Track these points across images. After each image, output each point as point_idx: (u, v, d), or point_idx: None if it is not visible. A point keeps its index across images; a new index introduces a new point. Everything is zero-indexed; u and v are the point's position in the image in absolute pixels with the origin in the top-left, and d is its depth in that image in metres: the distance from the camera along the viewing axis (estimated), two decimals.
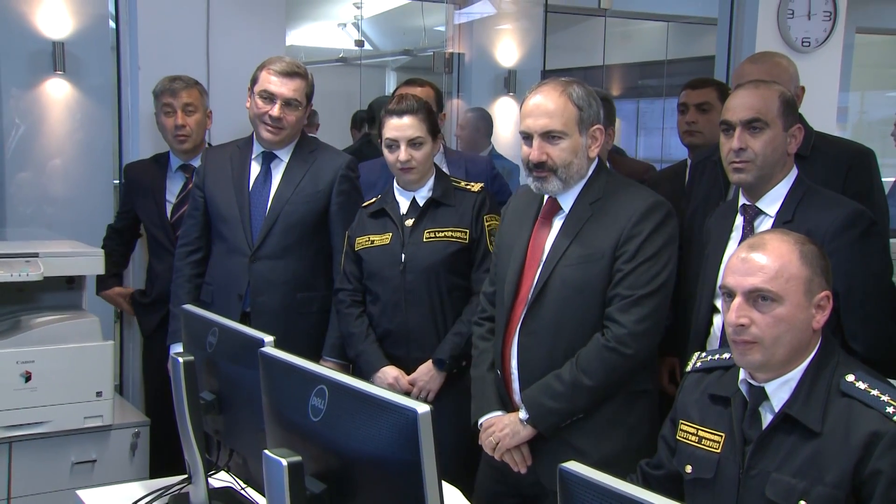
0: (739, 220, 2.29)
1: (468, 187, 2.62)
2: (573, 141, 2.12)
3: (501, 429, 2.15)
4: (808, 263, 1.69)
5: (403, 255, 2.53)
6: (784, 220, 2.18)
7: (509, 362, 2.18)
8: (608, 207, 2.14)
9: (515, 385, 2.18)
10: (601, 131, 2.18)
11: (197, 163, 3.14)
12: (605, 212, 2.13)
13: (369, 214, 2.66)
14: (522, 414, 2.12)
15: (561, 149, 2.11)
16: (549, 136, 2.11)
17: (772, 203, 2.24)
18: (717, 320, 2.27)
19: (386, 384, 2.52)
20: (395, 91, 3.37)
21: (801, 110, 2.41)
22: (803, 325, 1.68)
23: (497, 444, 2.16)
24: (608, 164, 2.84)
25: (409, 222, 2.57)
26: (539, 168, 2.12)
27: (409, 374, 2.56)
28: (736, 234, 2.29)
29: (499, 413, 2.20)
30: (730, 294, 1.72)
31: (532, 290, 2.14)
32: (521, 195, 2.39)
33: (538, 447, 2.15)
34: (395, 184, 2.64)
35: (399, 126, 2.51)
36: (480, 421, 2.23)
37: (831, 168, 2.57)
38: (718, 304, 2.27)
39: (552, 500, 2.10)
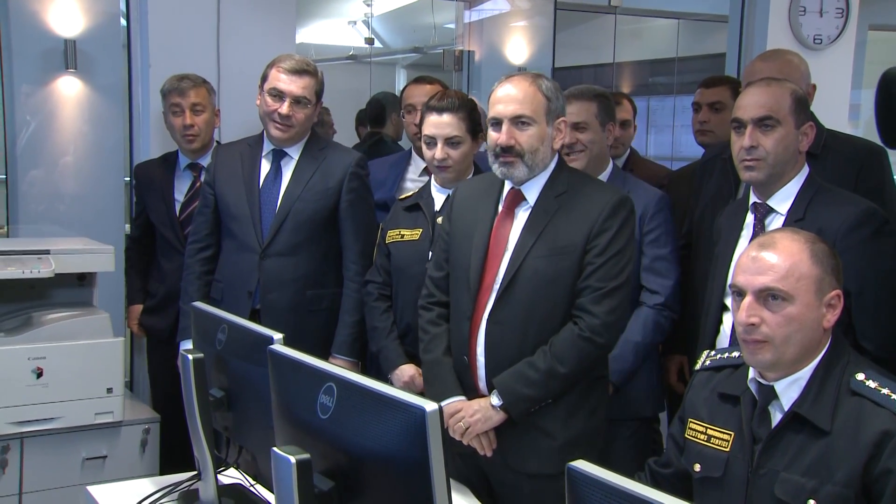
0: (750, 218, 2.28)
1: None
2: (540, 129, 2.17)
3: (472, 414, 2.16)
4: (818, 262, 1.68)
5: (431, 253, 2.53)
6: (795, 219, 2.17)
7: (475, 349, 2.20)
8: (575, 201, 2.18)
9: (481, 372, 2.20)
10: (566, 124, 2.24)
11: (205, 161, 3.15)
12: (572, 205, 2.18)
13: (404, 208, 2.66)
14: (495, 400, 2.14)
15: (529, 135, 2.16)
16: (518, 121, 2.16)
17: (783, 201, 2.23)
18: (727, 319, 2.26)
19: (402, 383, 2.53)
20: (403, 89, 3.37)
21: (812, 108, 2.40)
22: (814, 324, 1.67)
23: (467, 429, 2.17)
24: (616, 164, 2.84)
25: (441, 220, 2.56)
26: (506, 153, 2.16)
27: None
28: (746, 232, 2.28)
29: (461, 398, 2.22)
30: (740, 293, 1.71)
31: (500, 279, 2.17)
32: (470, 183, 2.41)
33: (503, 430, 2.18)
34: (432, 179, 2.65)
35: (438, 123, 2.52)
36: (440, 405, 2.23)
37: (843, 166, 2.55)
38: (728, 302, 2.26)
39: (521, 479, 2.15)
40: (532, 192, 2.21)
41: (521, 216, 2.21)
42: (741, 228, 2.30)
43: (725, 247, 2.32)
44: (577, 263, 2.14)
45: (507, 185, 2.24)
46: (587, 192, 2.20)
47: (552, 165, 2.23)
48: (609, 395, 2.36)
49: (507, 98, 2.18)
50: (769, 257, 1.68)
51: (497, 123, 2.18)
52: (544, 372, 2.10)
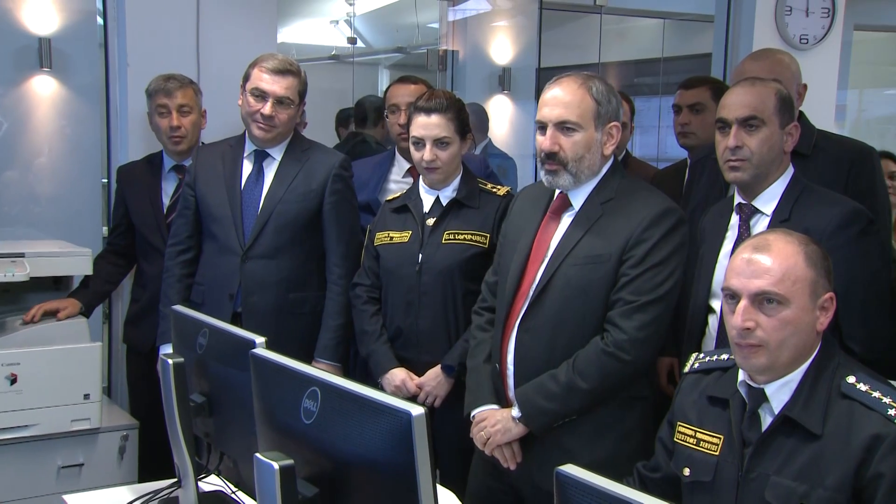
0: (735, 219, 2.27)
1: (494, 190, 2.58)
2: (587, 135, 2.09)
3: (493, 424, 2.13)
4: (812, 265, 1.66)
5: (420, 256, 2.50)
6: (781, 219, 2.16)
7: (506, 357, 2.16)
8: (619, 209, 2.11)
9: (510, 381, 2.16)
10: (618, 129, 2.14)
11: (190, 163, 3.11)
12: (615, 213, 2.10)
13: (392, 209, 2.63)
14: (515, 412, 2.10)
15: (574, 141, 2.09)
16: (563, 126, 2.09)
17: (768, 202, 2.22)
18: (713, 320, 2.25)
19: (393, 386, 2.50)
20: (387, 89, 3.34)
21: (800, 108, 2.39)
22: (808, 327, 1.66)
23: (488, 439, 2.14)
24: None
25: (431, 222, 2.53)
26: (550, 160, 2.10)
27: (417, 377, 2.51)
28: (731, 233, 2.27)
29: (493, 406, 2.18)
30: (733, 296, 1.69)
31: (534, 286, 2.12)
32: (532, 188, 2.37)
33: (530, 445, 2.14)
34: (420, 180, 2.61)
35: (426, 124, 2.48)
36: (473, 413, 2.21)
37: (833, 166, 2.55)
38: (713, 303, 2.25)
39: (544, 497, 2.10)
40: (578, 198, 2.15)
41: (566, 221, 2.15)
42: (726, 229, 2.29)
43: (710, 248, 2.31)
44: (611, 274, 2.06)
45: (558, 190, 2.18)
46: (634, 200, 2.11)
47: (603, 171, 2.15)
48: (653, 417, 2.20)
49: (553, 101, 2.09)
50: (764, 260, 1.66)
51: (542, 127, 2.11)
52: (564, 386, 2.04)
